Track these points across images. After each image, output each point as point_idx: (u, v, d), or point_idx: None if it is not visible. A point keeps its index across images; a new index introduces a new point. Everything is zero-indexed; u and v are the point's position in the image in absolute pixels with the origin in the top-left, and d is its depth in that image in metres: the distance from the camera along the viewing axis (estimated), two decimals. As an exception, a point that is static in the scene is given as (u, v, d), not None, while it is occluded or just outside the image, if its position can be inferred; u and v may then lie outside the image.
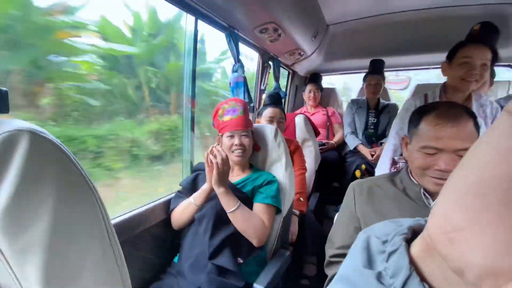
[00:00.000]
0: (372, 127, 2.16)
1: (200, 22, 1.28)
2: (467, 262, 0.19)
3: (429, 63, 2.34)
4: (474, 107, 1.17)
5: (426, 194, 0.71)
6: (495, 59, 1.10)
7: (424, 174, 0.69)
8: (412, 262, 0.24)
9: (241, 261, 0.93)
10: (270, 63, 1.99)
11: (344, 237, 0.81)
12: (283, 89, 2.49)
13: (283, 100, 2.32)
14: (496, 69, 1.72)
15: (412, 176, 0.75)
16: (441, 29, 1.71)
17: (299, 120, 1.89)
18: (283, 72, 2.52)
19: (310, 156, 1.86)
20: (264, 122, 1.65)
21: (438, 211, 0.23)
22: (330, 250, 0.83)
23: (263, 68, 1.94)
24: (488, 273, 0.18)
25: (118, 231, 0.87)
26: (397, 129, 1.30)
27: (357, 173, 1.81)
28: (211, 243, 0.91)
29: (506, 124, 0.19)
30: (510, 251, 0.17)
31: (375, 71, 2.16)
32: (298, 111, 2.57)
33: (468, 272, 0.19)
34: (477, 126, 0.67)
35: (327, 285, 0.81)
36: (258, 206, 1.01)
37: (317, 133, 2.00)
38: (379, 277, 0.25)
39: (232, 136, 1.08)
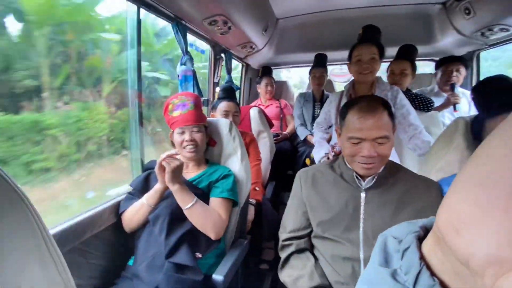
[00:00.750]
0: None
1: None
2: (472, 252, 0.19)
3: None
4: (377, 93, 1.38)
5: (358, 177, 0.82)
6: (381, 52, 1.33)
7: (353, 160, 0.80)
8: (423, 258, 0.25)
9: (200, 256, 0.94)
10: (223, 55, 1.98)
11: (294, 222, 0.89)
12: (237, 82, 2.50)
13: (237, 93, 2.34)
14: (419, 63, 2.01)
15: (346, 162, 0.85)
16: (379, 26, 1.91)
17: (253, 113, 1.93)
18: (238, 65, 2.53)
19: (266, 147, 1.92)
20: (219, 116, 1.64)
21: (447, 203, 0.23)
22: (282, 235, 0.91)
23: (216, 60, 1.92)
24: (492, 261, 0.18)
25: (62, 239, 0.81)
26: (320, 120, 1.56)
27: (307, 161, 1.95)
28: (167, 242, 0.90)
29: None
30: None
31: (319, 64, 2.33)
32: (253, 104, 2.62)
33: (473, 261, 0.19)
34: (391, 116, 0.78)
35: (281, 267, 0.88)
36: (214, 201, 1.02)
37: (271, 125, 2.07)
38: (394, 274, 0.26)
39: (182, 132, 1.06)
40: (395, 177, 0.81)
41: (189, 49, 1.50)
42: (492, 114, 0.79)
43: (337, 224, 0.80)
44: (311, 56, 2.44)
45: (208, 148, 1.19)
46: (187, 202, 0.94)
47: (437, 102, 1.85)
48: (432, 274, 0.24)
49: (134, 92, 1.24)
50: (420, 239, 0.27)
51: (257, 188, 1.50)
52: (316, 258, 0.86)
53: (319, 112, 2.36)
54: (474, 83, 2.27)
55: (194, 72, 1.50)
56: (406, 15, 2.10)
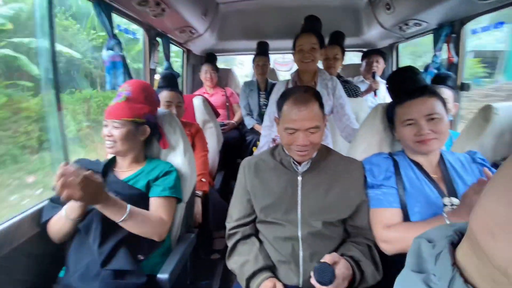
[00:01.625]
0: (264, 107, 2.38)
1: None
2: (510, 259, 0.18)
3: None
4: (319, 82, 1.51)
5: (295, 163, 0.88)
6: (321, 41, 1.45)
7: (290, 148, 0.85)
8: (456, 264, 0.24)
9: (142, 258, 0.89)
10: (159, 39, 1.82)
11: (239, 210, 0.92)
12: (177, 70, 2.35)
13: (179, 81, 2.21)
14: (349, 54, 2.21)
15: (284, 149, 0.91)
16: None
17: (197, 102, 1.86)
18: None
19: (212, 137, 1.88)
20: (161, 107, 1.53)
21: (481, 206, 0.22)
22: (229, 224, 0.94)
23: (151, 45, 1.76)
24: None
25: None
26: (269, 111, 1.57)
27: (254, 149, 1.99)
28: (101, 250, 0.82)
29: None
30: None
31: (261, 52, 2.36)
32: (196, 92, 2.52)
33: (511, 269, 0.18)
34: (321, 106, 0.85)
35: (229, 255, 0.90)
36: (155, 201, 0.95)
37: (217, 114, 2.03)
38: (427, 280, 0.25)
39: (106, 125, 0.96)
40: (326, 160, 0.90)
41: (116, 31, 1.34)
42: (400, 101, 0.90)
43: (278, 208, 0.85)
44: (253, 44, 2.44)
45: (146, 143, 1.10)
46: (118, 216, 0.83)
47: (362, 88, 2.17)
48: (466, 281, 0.23)
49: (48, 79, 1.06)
50: (454, 244, 0.26)
51: (203, 179, 1.48)
52: (260, 242, 0.90)
53: (265, 101, 2.42)
54: (394, 72, 2.60)
55: (123, 58, 1.35)
56: (339, 7, 2.26)
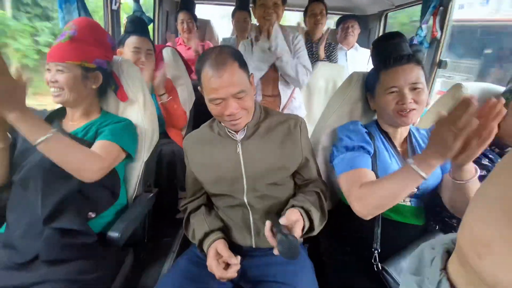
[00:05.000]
0: None
1: None
2: (498, 279, 0.19)
3: (294, 4, 2.51)
4: (278, 38, 1.45)
5: (231, 131, 0.84)
6: None
7: (222, 119, 0.80)
8: (445, 269, 0.25)
9: (93, 216, 0.85)
10: (122, -26, 1.55)
11: (190, 189, 0.94)
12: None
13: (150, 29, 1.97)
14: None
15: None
16: None
17: (166, 53, 1.68)
18: None
19: (183, 95, 1.75)
20: (129, 54, 1.37)
21: (467, 224, 0.22)
22: (183, 201, 0.96)
23: (112, -21, 1.49)
24: None
25: None
26: None
27: None
28: (43, 207, 0.76)
29: None
30: None
31: (241, 6, 2.17)
32: (169, 43, 2.28)
33: (501, 286, 0.18)
34: (243, 66, 0.76)
35: (184, 229, 0.90)
36: (94, 145, 0.84)
37: (189, 70, 1.87)
38: (420, 283, 0.26)
39: (49, 70, 0.83)
40: (265, 121, 0.86)
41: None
42: (386, 66, 0.86)
43: (223, 180, 0.83)
44: None
45: (103, 95, 0.98)
46: (38, 135, 0.69)
47: (340, 55, 2.19)
48: (452, 285, 0.24)
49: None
50: (450, 252, 0.27)
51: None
52: (210, 210, 0.91)
53: None
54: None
55: (76, -10, 1.13)
56: None
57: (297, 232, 0.70)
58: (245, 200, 0.83)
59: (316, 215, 0.77)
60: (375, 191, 0.73)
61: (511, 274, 0.18)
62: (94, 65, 0.88)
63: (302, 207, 0.76)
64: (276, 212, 0.83)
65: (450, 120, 0.57)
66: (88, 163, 0.78)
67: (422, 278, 0.27)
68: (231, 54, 0.75)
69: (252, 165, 0.82)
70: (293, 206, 0.77)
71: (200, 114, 2.04)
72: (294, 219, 0.71)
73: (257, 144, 0.83)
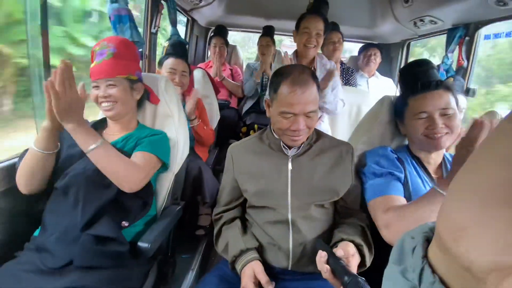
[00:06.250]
0: (265, 88, 2.32)
1: None
2: (472, 260, 0.20)
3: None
4: (318, 67, 1.49)
5: (286, 146, 0.85)
6: (327, 27, 1.42)
7: (283, 133, 0.82)
8: (426, 256, 0.26)
9: (126, 225, 0.86)
10: (163, 2, 1.70)
11: (227, 198, 0.92)
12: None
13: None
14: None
15: (274, 132, 0.87)
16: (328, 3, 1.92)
17: (198, 74, 1.78)
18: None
19: (210, 113, 1.82)
20: (165, 74, 1.46)
21: (444, 211, 0.23)
22: (216, 209, 0.94)
23: (154, 7, 1.64)
24: (492, 268, 0.19)
25: None
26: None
27: (243, 129, 1.97)
28: (83, 214, 0.78)
29: (507, 132, 0.20)
30: (510, 247, 0.18)
31: (266, 33, 2.33)
32: (201, 65, 2.41)
33: (474, 267, 0.20)
34: (318, 88, 0.81)
35: (215, 240, 0.89)
36: (135, 154, 0.88)
37: (217, 91, 1.95)
38: (404, 272, 0.27)
39: (97, 87, 0.89)
40: (316, 143, 0.87)
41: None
42: (415, 93, 0.87)
43: (268, 193, 0.83)
44: (261, 22, 2.34)
45: (139, 107, 1.04)
46: (88, 144, 0.77)
47: (360, 81, 2.26)
48: (434, 272, 0.25)
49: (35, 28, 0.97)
50: (429, 240, 0.28)
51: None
52: (245, 224, 0.89)
53: (266, 82, 2.35)
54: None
55: (129, 11, 1.25)
56: None
57: (354, 267, 0.67)
58: (289, 217, 0.81)
59: (366, 250, 0.75)
60: (402, 216, 0.72)
61: (484, 256, 0.19)
62: (136, 77, 0.95)
63: (353, 241, 0.74)
64: (317, 236, 0.80)
65: (467, 142, 0.64)
66: (131, 173, 0.81)
67: (405, 266, 0.28)
68: (312, 76, 0.79)
69: (299, 182, 0.82)
70: (342, 239, 0.75)
71: (224, 131, 2.11)
72: (351, 253, 0.69)
73: (307, 163, 0.83)
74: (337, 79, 1.51)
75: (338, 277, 0.60)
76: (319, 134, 0.90)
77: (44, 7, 0.97)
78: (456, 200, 0.23)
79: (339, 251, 0.66)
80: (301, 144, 0.83)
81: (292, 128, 0.78)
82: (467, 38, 1.73)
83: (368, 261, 0.75)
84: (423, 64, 0.93)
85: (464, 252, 0.21)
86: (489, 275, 0.19)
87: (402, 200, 0.80)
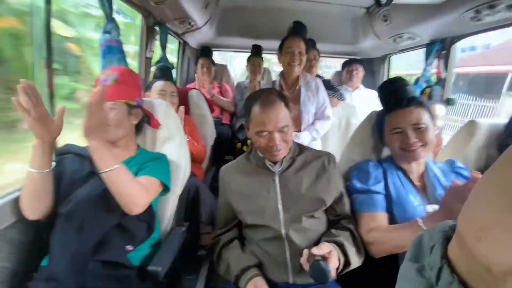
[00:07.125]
0: None
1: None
2: (493, 260, 0.20)
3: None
4: (303, 84, 1.59)
5: (270, 163, 0.91)
6: (307, 47, 1.54)
7: (265, 150, 0.88)
8: (446, 256, 0.26)
9: (131, 249, 0.86)
10: (157, 28, 1.77)
11: (223, 219, 0.97)
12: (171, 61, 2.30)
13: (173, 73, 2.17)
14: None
15: (258, 152, 0.94)
16: (313, 21, 2.03)
17: (194, 95, 1.83)
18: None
19: (207, 132, 1.86)
20: (155, 96, 1.51)
21: (468, 210, 0.23)
22: (214, 232, 0.98)
23: (148, 33, 1.71)
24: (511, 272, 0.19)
25: None
26: None
27: (238, 145, 2.02)
28: (89, 239, 0.79)
29: None
30: None
31: (256, 53, 2.43)
32: (190, 85, 2.47)
33: (495, 268, 0.20)
34: (287, 105, 0.89)
35: (216, 262, 0.92)
36: (140, 179, 0.89)
37: (211, 109, 2.00)
38: (421, 269, 0.27)
39: None
40: (300, 156, 0.94)
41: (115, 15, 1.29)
42: (389, 110, 0.94)
43: (261, 211, 0.87)
44: (250, 42, 2.45)
45: (140, 133, 1.07)
46: (109, 163, 0.77)
47: (346, 95, 2.36)
48: (453, 271, 0.24)
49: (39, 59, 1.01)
50: (449, 239, 0.28)
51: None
52: (243, 244, 0.93)
53: None
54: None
55: (120, 43, 1.30)
56: (338, 15, 2.30)
57: (334, 262, 0.73)
58: (283, 232, 0.84)
59: (350, 249, 0.79)
60: (386, 240, 0.80)
61: (505, 257, 0.19)
62: (135, 103, 0.98)
63: (335, 242, 0.79)
64: (311, 246, 0.84)
65: (458, 194, 0.67)
66: (138, 196, 0.83)
67: (422, 265, 0.27)
68: (278, 95, 0.88)
69: (288, 196, 0.87)
70: (325, 241, 0.80)
71: (217, 149, 2.13)
72: (326, 250, 0.74)
73: (293, 176, 0.89)
74: (323, 95, 1.62)
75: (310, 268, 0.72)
76: (301, 148, 0.97)
77: (48, 37, 1.01)
78: (482, 200, 0.22)
79: (313, 249, 0.74)
80: (283, 158, 0.90)
81: (270, 144, 0.85)
82: (444, 51, 1.87)
83: (355, 260, 0.80)
84: (397, 82, 1.01)
85: (485, 253, 0.21)
86: (509, 277, 0.19)
87: (384, 217, 0.87)
